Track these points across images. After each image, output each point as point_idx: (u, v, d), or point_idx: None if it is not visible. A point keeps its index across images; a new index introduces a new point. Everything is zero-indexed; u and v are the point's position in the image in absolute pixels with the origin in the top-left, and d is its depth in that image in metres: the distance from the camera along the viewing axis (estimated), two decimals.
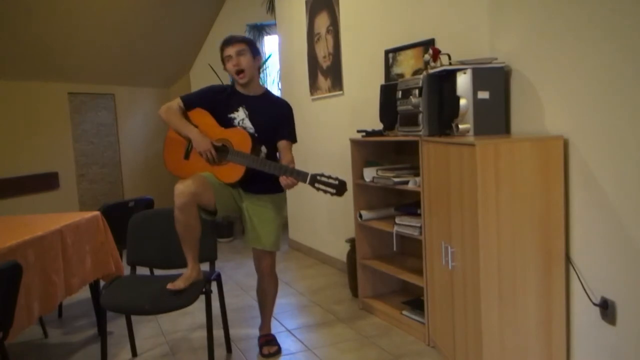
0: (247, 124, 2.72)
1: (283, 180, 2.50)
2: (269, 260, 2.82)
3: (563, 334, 2.27)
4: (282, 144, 2.73)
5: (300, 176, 2.48)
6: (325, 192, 2.45)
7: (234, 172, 2.63)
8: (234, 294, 3.89)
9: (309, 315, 3.43)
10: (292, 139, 2.78)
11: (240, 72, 2.68)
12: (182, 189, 2.45)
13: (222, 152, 2.66)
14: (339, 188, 2.44)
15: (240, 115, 2.72)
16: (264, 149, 2.71)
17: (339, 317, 3.34)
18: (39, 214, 3.24)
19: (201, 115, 2.74)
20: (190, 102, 2.75)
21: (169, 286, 2.46)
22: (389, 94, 3.06)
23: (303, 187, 4.85)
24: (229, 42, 2.71)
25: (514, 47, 2.48)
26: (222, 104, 2.74)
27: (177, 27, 5.98)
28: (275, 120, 2.73)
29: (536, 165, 2.17)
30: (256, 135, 2.69)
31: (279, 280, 2.95)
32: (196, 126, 2.73)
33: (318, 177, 2.46)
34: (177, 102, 2.74)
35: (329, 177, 2.45)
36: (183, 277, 2.51)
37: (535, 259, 2.21)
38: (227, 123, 2.72)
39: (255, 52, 2.74)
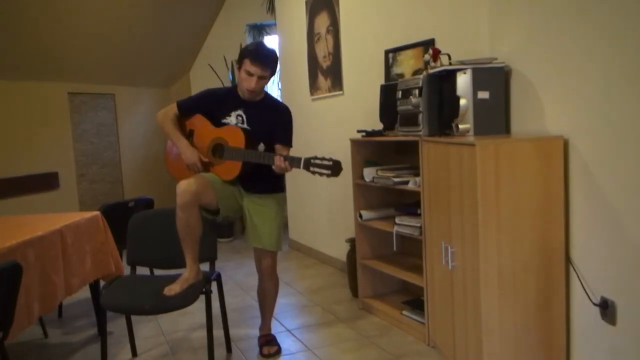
0: (244, 125, 2.72)
1: (277, 160, 2.48)
2: (269, 261, 2.82)
3: (563, 334, 2.27)
4: (278, 147, 2.73)
5: (295, 162, 2.47)
6: (321, 174, 2.42)
7: (231, 168, 2.64)
8: (234, 294, 3.89)
9: (309, 315, 3.43)
10: (288, 144, 2.76)
11: (252, 93, 2.66)
12: (184, 188, 2.47)
13: (218, 151, 2.68)
14: (334, 168, 2.40)
15: (232, 121, 2.72)
16: (262, 146, 2.71)
17: (339, 317, 3.34)
18: (39, 214, 3.24)
19: (197, 119, 2.76)
20: (186, 108, 2.77)
21: (166, 291, 2.46)
22: (389, 94, 3.06)
23: (303, 188, 4.86)
24: (260, 62, 2.57)
25: (514, 47, 2.48)
26: (218, 109, 2.74)
27: (177, 27, 5.98)
28: (271, 125, 2.72)
29: (536, 165, 2.17)
30: (252, 132, 2.69)
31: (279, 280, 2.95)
32: (192, 130, 2.76)
33: (312, 160, 2.44)
34: (173, 109, 2.76)
35: (323, 158, 2.43)
36: (180, 280, 2.52)
37: (535, 259, 2.20)
38: (221, 126, 2.73)
39: (271, 77, 2.70)
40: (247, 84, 2.62)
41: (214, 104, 2.75)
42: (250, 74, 2.60)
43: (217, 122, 2.73)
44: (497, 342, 2.18)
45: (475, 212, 2.13)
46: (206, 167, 2.70)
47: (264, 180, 2.72)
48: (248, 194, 2.77)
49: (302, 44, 4.69)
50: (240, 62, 2.64)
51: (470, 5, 2.81)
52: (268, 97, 2.82)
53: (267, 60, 2.60)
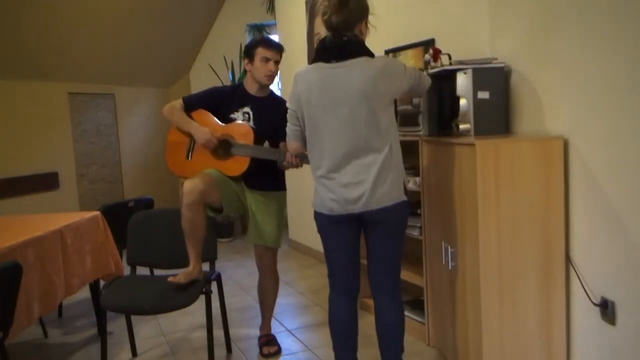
0: (250, 123, 2.73)
1: (287, 156, 2.49)
2: (270, 258, 2.84)
3: (563, 334, 2.27)
4: (283, 144, 2.74)
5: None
6: None
7: (238, 164, 2.65)
8: (234, 294, 3.89)
9: (309, 315, 3.43)
10: None
11: (272, 78, 2.72)
12: (191, 187, 2.48)
13: (225, 147, 2.68)
14: None
15: (239, 117, 2.74)
16: (266, 144, 2.72)
17: None
18: (39, 214, 3.24)
19: (202, 115, 2.76)
20: (191, 103, 2.78)
21: (170, 279, 2.50)
22: None
23: (303, 188, 4.86)
24: (275, 47, 2.70)
25: (514, 47, 2.48)
26: (225, 105, 2.76)
27: (177, 27, 5.98)
28: (277, 123, 2.73)
29: (536, 165, 2.17)
30: (258, 131, 2.70)
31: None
32: None
33: None
34: (179, 103, 2.79)
35: None
36: (184, 273, 2.53)
37: (535, 259, 2.21)
38: (228, 122, 2.74)
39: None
40: (266, 70, 2.68)
41: (221, 101, 2.77)
42: (267, 60, 2.67)
43: (223, 119, 2.74)
44: (497, 342, 2.19)
45: (475, 212, 2.13)
46: (210, 163, 2.71)
47: (268, 178, 2.74)
48: (251, 192, 2.78)
49: (302, 44, 4.69)
50: (251, 54, 2.70)
51: (470, 6, 2.81)
52: (273, 94, 2.87)
53: (279, 45, 2.73)
